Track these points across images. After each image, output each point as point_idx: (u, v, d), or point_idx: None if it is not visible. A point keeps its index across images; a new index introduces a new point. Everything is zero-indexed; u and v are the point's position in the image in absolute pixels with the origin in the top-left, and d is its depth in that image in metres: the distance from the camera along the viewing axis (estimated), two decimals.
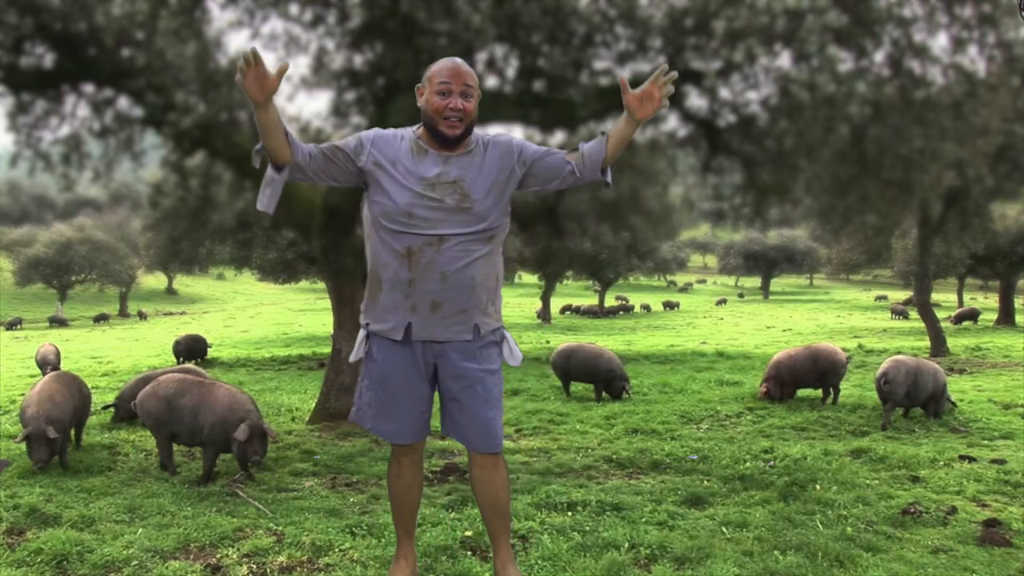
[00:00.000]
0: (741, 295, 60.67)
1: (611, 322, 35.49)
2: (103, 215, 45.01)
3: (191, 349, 16.32)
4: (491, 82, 6.28)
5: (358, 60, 6.42)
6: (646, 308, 44.71)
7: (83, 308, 47.49)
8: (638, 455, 5.81)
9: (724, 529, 3.91)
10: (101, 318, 40.97)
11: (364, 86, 6.62)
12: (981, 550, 3.68)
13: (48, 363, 13.30)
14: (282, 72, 2.38)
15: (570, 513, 4.15)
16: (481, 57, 6.07)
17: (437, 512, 4.12)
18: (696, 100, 6.46)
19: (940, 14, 5.54)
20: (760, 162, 6.63)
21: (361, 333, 2.86)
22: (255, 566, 3.33)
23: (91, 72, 6.51)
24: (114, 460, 5.72)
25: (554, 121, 6.89)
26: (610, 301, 44.71)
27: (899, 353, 11.75)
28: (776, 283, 68.39)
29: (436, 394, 2.88)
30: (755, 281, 67.85)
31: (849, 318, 35.99)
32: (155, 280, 55.79)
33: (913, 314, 29.97)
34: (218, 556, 3.45)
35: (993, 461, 5.64)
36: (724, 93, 6.11)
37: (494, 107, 6.17)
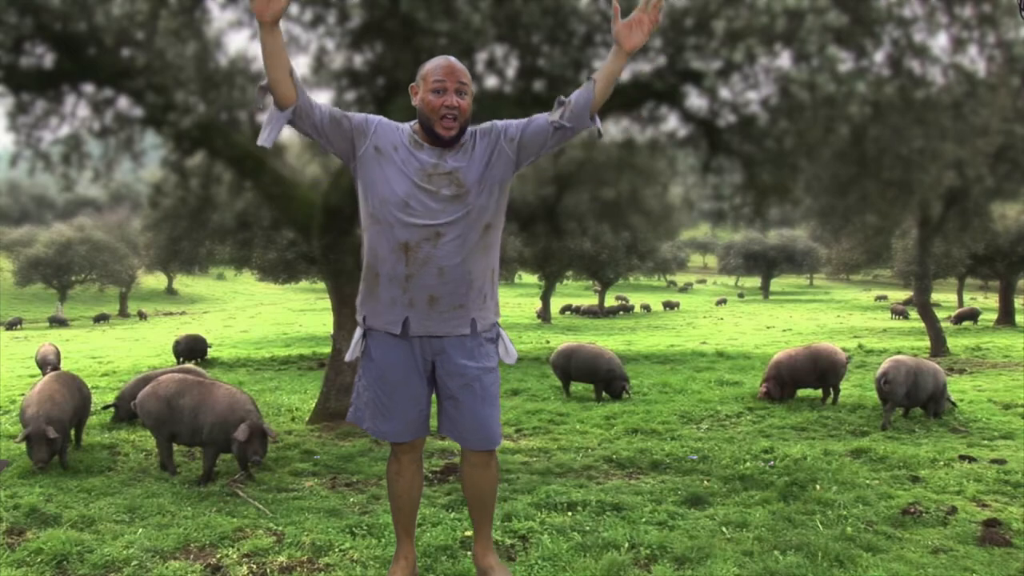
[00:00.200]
0: (741, 295, 60.67)
1: (611, 322, 35.49)
2: (103, 215, 45.01)
3: (191, 349, 16.31)
4: (491, 82, 6.28)
5: (358, 60, 6.42)
6: (646, 308, 44.71)
7: (83, 308, 47.49)
8: (638, 455, 5.81)
9: (724, 529, 3.91)
10: (101, 318, 40.97)
11: (364, 86, 6.62)
12: (981, 550, 3.68)
13: (48, 363, 13.30)
14: None
15: (570, 513, 4.15)
16: (481, 57, 6.07)
17: (437, 512, 4.12)
18: (696, 100, 6.46)
19: (940, 14, 5.55)
20: (760, 162, 6.63)
21: (358, 332, 2.85)
22: (255, 566, 3.33)
23: (91, 72, 6.51)
24: (114, 460, 5.72)
25: None
26: (610, 301, 44.70)
27: (899, 353, 11.75)
28: (776, 283, 68.40)
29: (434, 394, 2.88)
30: (755, 281, 67.86)
31: (849, 318, 35.99)
32: (155, 280, 55.79)
33: (913, 314, 29.97)
34: (218, 556, 3.45)
35: (993, 461, 5.64)
36: (724, 93, 6.12)
37: (494, 107, 6.17)
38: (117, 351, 21.30)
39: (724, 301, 50.64)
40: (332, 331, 8.04)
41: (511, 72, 6.27)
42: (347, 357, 2.91)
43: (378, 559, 3.37)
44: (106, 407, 7.74)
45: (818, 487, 4.78)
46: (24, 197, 54.89)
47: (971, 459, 5.71)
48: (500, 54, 6.12)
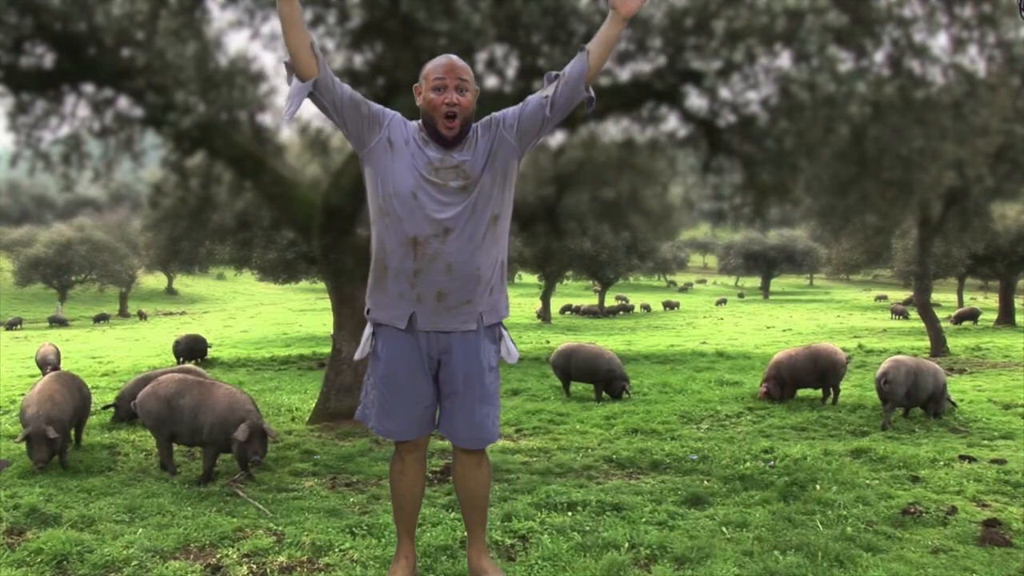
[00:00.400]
0: (741, 295, 60.67)
1: (611, 322, 35.49)
2: (103, 215, 44.99)
3: (191, 349, 16.31)
4: (491, 82, 6.28)
5: (358, 60, 6.43)
6: (646, 308, 44.71)
7: (83, 308, 47.49)
8: (638, 455, 5.81)
9: (724, 529, 3.91)
10: (101, 318, 40.96)
11: (364, 86, 6.63)
12: (981, 550, 3.68)
13: (48, 363, 13.30)
14: None
15: (570, 513, 4.15)
16: (481, 57, 6.08)
17: (437, 512, 4.11)
18: (696, 100, 6.47)
19: (940, 14, 5.55)
20: (760, 162, 6.64)
21: (367, 330, 2.86)
22: (255, 566, 3.33)
23: (91, 72, 6.51)
24: (114, 460, 5.72)
25: None
26: (610, 301, 44.70)
27: (899, 353, 11.75)
28: (776, 283, 68.39)
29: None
30: (755, 281, 67.86)
31: (849, 318, 35.99)
32: (155, 280, 55.79)
33: (913, 314, 29.97)
34: (218, 556, 3.45)
35: (993, 461, 5.64)
36: (724, 93, 6.12)
37: (494, 107, 6.17)
38: (117, 351, 21.29)
39: (724, 301, 50.63)
40: (332, 331, 8.04)
41: (511, 72, 6.27)
42: (356, 356, 2.93)
43: (378, 559, 3.37)
44: (106, 407, 7.74)
45: (818, 487, 4.78)
46: (24, 197, 54.87)
47: (971, 459, 5.71)
48: (500, 54, 6.13)
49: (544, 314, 34.78)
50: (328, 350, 11.24)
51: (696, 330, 29.02)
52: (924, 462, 5.57)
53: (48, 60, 6.36)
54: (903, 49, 5.59)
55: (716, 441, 6.63)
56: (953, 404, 8.42)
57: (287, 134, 7.99)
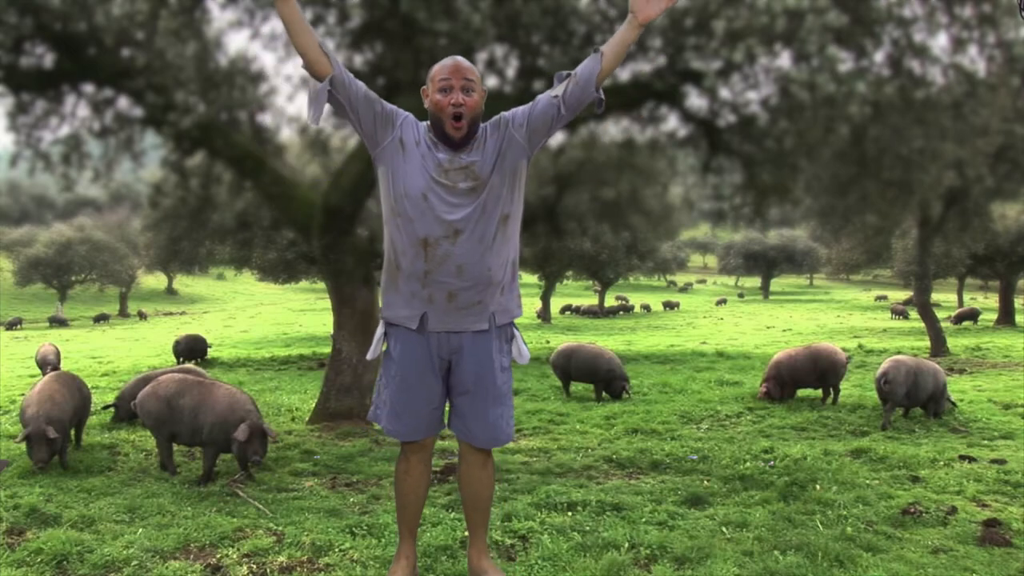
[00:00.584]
0: (741, 295, 60.67)
1: (611, 322, 35.49)
2: (103, 215, 44.99)
3: (191, 349, 16.31)
4: (491, 82, 6.28)
5: (358, 60, 6.42)
6: (646, 308, 44.70)
7: (83, 308, 47.48)
8: (638, 455, 5.81)
9: (724, 529, 3.91)
10: (101, 318, 40.96)
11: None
12: (981, 550, 3.68)
13: (48, 363, 13.30)
14: None
15: (570, 513, 4.15)
16: (481, 57, 6.08)
17: (437, 512, 4.11)
18: (696, 100, 6.46)
19: (940, 14, 5.55)
20: (760, 162, 6.63)
21: (379, 330, 2.87)
22: (255, 566, 3.33)
23: (91, 72, 6.51)
24: (114, 460, 5.72)
25: None
26: (610, 301, 44.70)
27: (899, 353, 11.75)
28: (776, 283, 68.39)
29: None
30: (755, 281, 67.85)
31: (849, 318, 35.99)
32: (155, 280, 55.78)
33: (913, 314, 29.97)
34: (218, 556, 3.45)
35: (993, 461, 5.64)
36: (724, 93, 6.12)
37: (494, 107, 6.17)
38: (117, 351, 21.29)
39: (724, 301, 50.63)
40: (332, 331, 8.04)
41: (511, 72, 6.27)
42: (368, 355, 2.94)
43: (378, 559, 3.37)
44: (106, 407, 7.74)
45: (818, 487, 4.78)
46: (24, 197, 54.87)
47: (971, 459, 5.71)
48: (500, 54, 6.13)
49: (544, 314, 34.77)
50: (328, 350, 11.24)
51: (696, 330, 29.02)
52: (924, 462, 5.57)
53: (48, 60, 6.36)
54: (903, 49, 5.58)
55: (716, 441, 6.63)
56: (953, 404, 8.42)
57: (287, 134, 8.00)
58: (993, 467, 5.39)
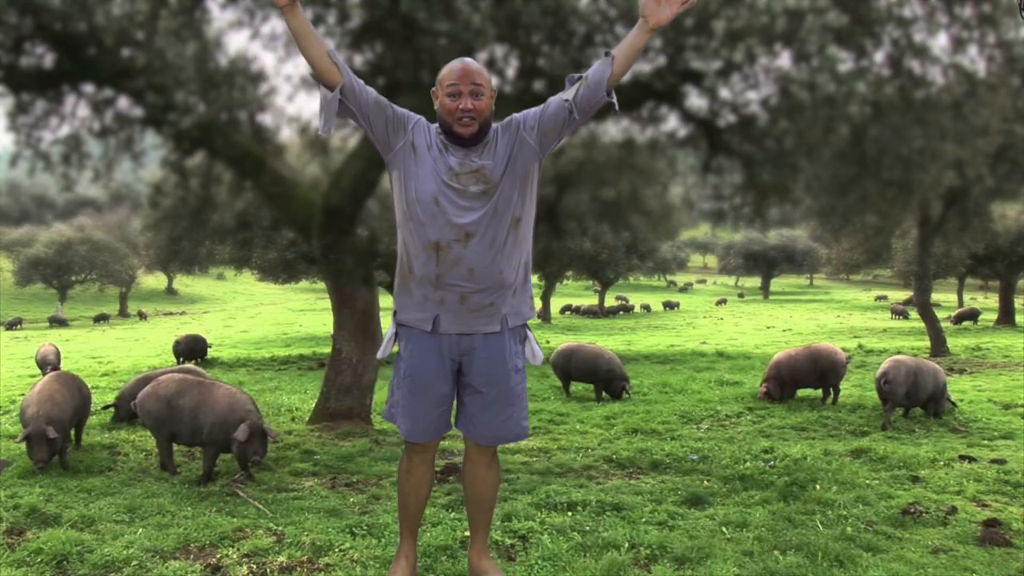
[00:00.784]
0: (741, 295, 60.66)
1: (611, 322, 35.49)
2: (103, 215, 44.95)
3: (191, 349, 16.32)
4: (491, 82, 6.27)
5: (358, 60, 6.42)
6: (646, 308, 44.69)
7: (83, 308, 47.48)
8: (638, 455, 5.81)
9: (724, 529, 3.91)
10: (101, 318, 40.95)
11: None
12: (981, 550, 3.68)
13: (48, 363, 13.30)
14: None
15: (570, 513, 4.15)
16: (481, 57, 6.07)
17: (437, 512, 4.12)
18: (696, 100, 6.46)
19: (940, 14, 5.54)
20: (760, 162, 6.63)
21: (390, 330, 2.88)
22: (255, 566, 3.33)
23: (91, 72, 6.51)
24: (114, 460, 5.72)
25: None
26: (610, 301, 44.69)
27: (899, 353, 11.75)
28: (776, 283, 68.37)
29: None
30: (755, 281, 67.84)
31: (849, 318, 35.99)
32: (155, 280, 55.77)
33: (913, 314, 29.96)
34: (218, 556, 3.45)
35: (993, 461, 5.64)
36: (724, 93, 6.11)
37: (495, 107, 6.17)
38: (117, 351, 21.29)
39: (724, 301, 50.62)
40: (332, 331, 8.04)
41: (511, 72, 6.27)
42: (379, 355, 2.96)
43: (378, 559, 3.37)
44: (106, 407, 7.74)
45: (818, 487, 4.78)
46: (24, 197, 54.81)
47: (971, 459, 5.71)
48: (500, 54, 6.12)
49: (544, 314, 34.77)
50: (328, 350, 11.24)
51: (696, 330, 29.02)
52: (924, 462, 5.57)
53: (48, 60, 6.36)
54: (903, 49, 5.58)
55: (716, 441, 6.63)
56: (953, 404, 8.42)
57: (287, 134, 7.99)
58: (993, 467, 5.39)
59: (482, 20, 5.24)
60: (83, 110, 6.76)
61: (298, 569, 3.29)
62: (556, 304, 41.73)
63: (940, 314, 19.69)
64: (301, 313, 42.98)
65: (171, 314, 47.31)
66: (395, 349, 2.90)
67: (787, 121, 5.88)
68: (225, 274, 57.44)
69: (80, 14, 5.87)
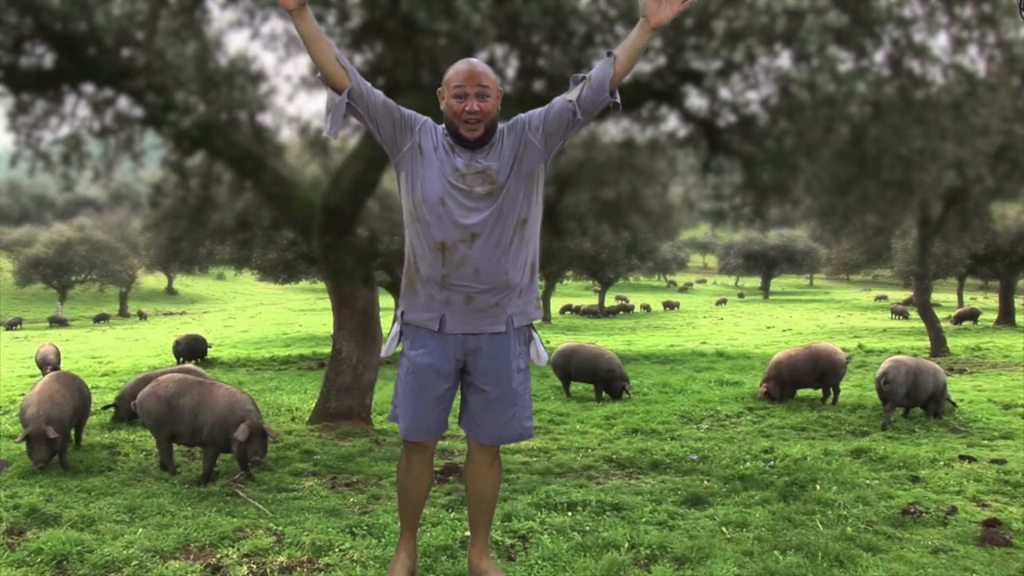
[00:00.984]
0: (741, 295, 60.66)
1: (611, 322, 35.49)
2: (103, 215, 44.95)
3: (191, 349, 16.32)
4: (497, 83, 6.27)
5: (358, 60, 6.42)
6: (646, 308, 44.70)
7: (83, 308, 47.48)
8: (638, 455, 5.81)
9: (724, 529, 3.91)
10: (101, 318, 40.96)
11: None
12: (981, 550, 3.68)
13: (48, 363, 13.30)
14: None
15: (570, 513, 4.15)
16: (481, 57, 6.07)
17: (437, 512, 4.12)
18: (696, 100, 6.46)
19: (940, 14, 5.54)
20: (760, 162, 6.63)
21: (394, 329, 2.89)
22: (255, 566, 3.33)
23: (91, 72, 6.51)
24: (114, 460, 5.72)
25: None
26: (610, 301, 44.69)
27: (899, 353, 11.75)
28: (776, 283, 68.38)
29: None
30: (755, 281, 67.84)
31: (849, 318, 35.99)
32: (155, 280, 55.77)
33: (913, 314, 29.97)
34: (218, 556, 3.45)
35: (993, 461, 5.64)
36: (724, 93, 6.11)
37: (499, 108, 6.17)
38: (117, 351, 21.30)
39: (724, 301, 50.62)
40: (332, 331, 8.04)
41: (511, 72, 6.27)
42: (382, 353, 2.97)
43: (378, 559, 3.37)
44: (106, 407, 7.74)
45: (818, 487, 4.78)
46: (24, 197, 54.82)
47: (971, 459, 5.71)
48: (500, 54, 6.12)
49: (544, 314, 34.79)
50: (328, 350, 11.25)
51: (696, 330, 29.02)
52: (924, 462, 5.57)
53: (48, 60, 6.36)
54: (903, 49, 5.58)
55: (716, 441, 6.63)
56: (953, 404, 8.42)
57: (287, 134, 7.99)
58: (993, 467, 5.39)
59: (482, 20, 5.24)
60: (83, 110, 6.77)
61: (298, 569, 3.29)
62: (556, 304, 41.74)
63: (940, 314, 19.69)
64: (301, 313, 42.99)
65: (171, 314, 47.31)
66: (399, 349, 2.91)
67: (787, 121, 5.88)
68: (225, 274, 57.45)
69: (80, 14, 5.87)
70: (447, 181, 2.65)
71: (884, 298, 50.50)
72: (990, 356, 16.06)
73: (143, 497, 4.53)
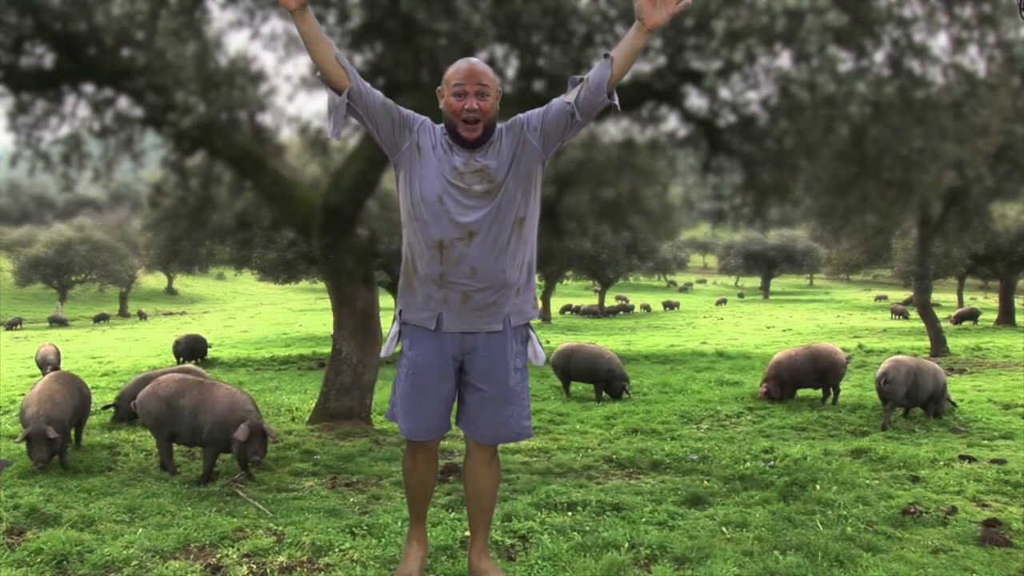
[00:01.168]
0: (741, 295, 60.66)
1: (611, 322, 35.49)
2: (103, 215, 44.94)
3: (191, 349, 16.32)
4: (497, 82, 6.27)
5: (358, 60, 6.42)
6: (646, 308, 44.69)
7: (83, 308, 47.48)
8: (638, 455, 5.81)
9: (724, 529, 3.91)
10: (101, 318, 40.96)
11: None
12: (981, 550, 3.68)
13: (48, 363, 13.30)
14: None
15: (570, 513, 4.15)
16: (481, 57, 6.07)
17: (437, 512, 4.11)
18: (696, 100, 6.46)
19: (940, 14, 5.54)
20: (760, 162, 6.63)
21: (393, 328, 2.90)
22: (255, 566, 3.33)
23: (91, 72, 6.51)
24: (114, 460, 5.72)
25: None
26: (610, 301, 44.69)
27: (899, 353, 11.75)
28: (776, 283, 68.38)
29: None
30: (755, 281, 67.83)
31: (849, 318, 35.99)
32: (155, 280, 55.77)
33: (913, 314, 29.96)
34: (218, 556, 3.45)
35: (993, 461, 5.64)
36: (724, 93, 6.11)
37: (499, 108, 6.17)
38: (117, 351, 21.30)
39: (724, 301, 50.62)
40: (332, 331, 8.04)
41: (511, 72, 6.27)
42: (382, 353, 2.98)
43: (378, 559, 3.37)
44: (106, 407, 7.74)
45: (818, 487, 4.78)
46: (24, 197, 54.80)
47: (971, 459, 5.71)
48: (500, 54, 6.12)
49: (544, 314, 34.77)
50: (328, 350, 11.25)
51: (696, 330, 29.02)
52: (924, 462, 5.57)
53: (48, 60, 6.36)
54: (903, 49, 5.58)
55: (716, 441, 6.63)
56: (953, 404, 8.42)
57: (287, 134, 7.99)
58: (993, 467, 5.39)
59: (482, 20, 5.24)
60: (83, 110, 6.77)
61: (298, 569, 3.29)
62: (556, 304, 41.73)
63: (940, 314, 19.70)
64: (301, 313, 42.98)
65: (171, 314, 47.31)
66: (398, 348, 2.91)
67: (787, 121, 5.88)
68: (225, 274, 57.44)
69: (80, 14, 5.87)
70: (445, 179, 2.66)
71: (884, 298, 50.49)
72: (990, 356, 16.06)
73: (143, 497, 4.53)
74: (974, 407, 8.68)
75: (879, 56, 5.63)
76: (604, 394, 9.66)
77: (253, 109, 7.22)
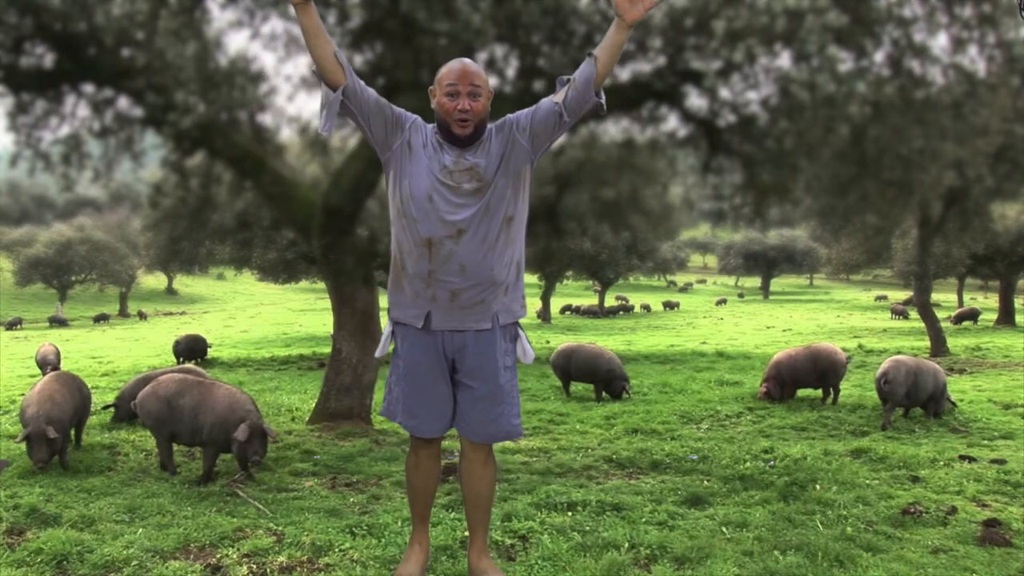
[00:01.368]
0: (741, 295, 60.66)
1: (611, 322, 35.48)
2: (103, 215, 44.93)
3: (191, 349, 16.32)
4: (491, 82, 6.27)
5: (358, 60, 6.42)
6: (646, 308, 44.69)
7: (83, 308, 47.47)
8: (638, 455, 5.81)
9: (724, 529, 3.91)
10: (101, 318, 40.95)
11: None
12: (981, 550, 3.68)
13: (48, 363, 13.30)
14: None
15: (570, 513, 4.15)
16: (481, 57, 6.07)
17: (437, 512, 4.11)
18: (696, 100, 6.46)
19: (940, 14, 5.54)
20: (760, 162, 6.63)
21: (387, 328, 2.91)
22: (255, 566, 3.33)
23: (91, 72, 6.51)
24: (114, 460, 5.72)
25: None
26: (610, 301, 44.68)
27: (899, 353, 11.75)
28: (776, 283, 68.37)
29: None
30: (755, 281, 67.83)
31: (849, 318, 35.99)
32: (155, 280, 55.77)
33: (913, 314, 29.97)
34: (218, 556, 3.45)
35: (993, 461, 5.64)
36: (724, 93, 6.11)
37: (494, 107, 6.16)
38: (117, 351, 21.29)
39: (724, 301, 50.61)
40: (332, 331, 8.04)
41: (511, 72, 6.27)
42: (377, 353, 2.98)
43: (378, 559, 3.37)
44: (106, 407, 7.74)
45: (818, 487, 4.78)
46: (24, 197, 54.79)
47: (971, 459, 5.71)
48: (500, 54, 6.13)
49: (544, 314, 34.76)
50: (328, 350, 11.25)
51: (696, 330, 29.02)
52: (924, 462, 5.57)
53: (48, 60, 6.36)
54: (903, 49, 5.58)
55: (716, 441, 6.63)
56: (953, 404, 8.42)
57: (287, 134, 7.99)
58: (993, 467, 5.39)
59: (482, 20, 5.24)
60: (83, 110, 6.77)
61: (298, 569, 3.29)
62: (556, 304, 41.72)
63: (940, 314, 19.69)
64: (301, 313, 42.98)
65: (171, 314, 47.31)
66: (392, 347, 2.92)
67: (787, 121, 5.88)
68: (225, 274, 57.44)
69: (80, 14, 5.87)
70: (435, 177, 2.68)
71: (884, 298, 50.49)
72: (990, 356, 16.06)
73: (143, 497, 4.53)
74: (974, 407, 8.68)
75: (879, 56, 5.64)
76: (604, 394, 9.66)
77: (253, 109, 7.22)
